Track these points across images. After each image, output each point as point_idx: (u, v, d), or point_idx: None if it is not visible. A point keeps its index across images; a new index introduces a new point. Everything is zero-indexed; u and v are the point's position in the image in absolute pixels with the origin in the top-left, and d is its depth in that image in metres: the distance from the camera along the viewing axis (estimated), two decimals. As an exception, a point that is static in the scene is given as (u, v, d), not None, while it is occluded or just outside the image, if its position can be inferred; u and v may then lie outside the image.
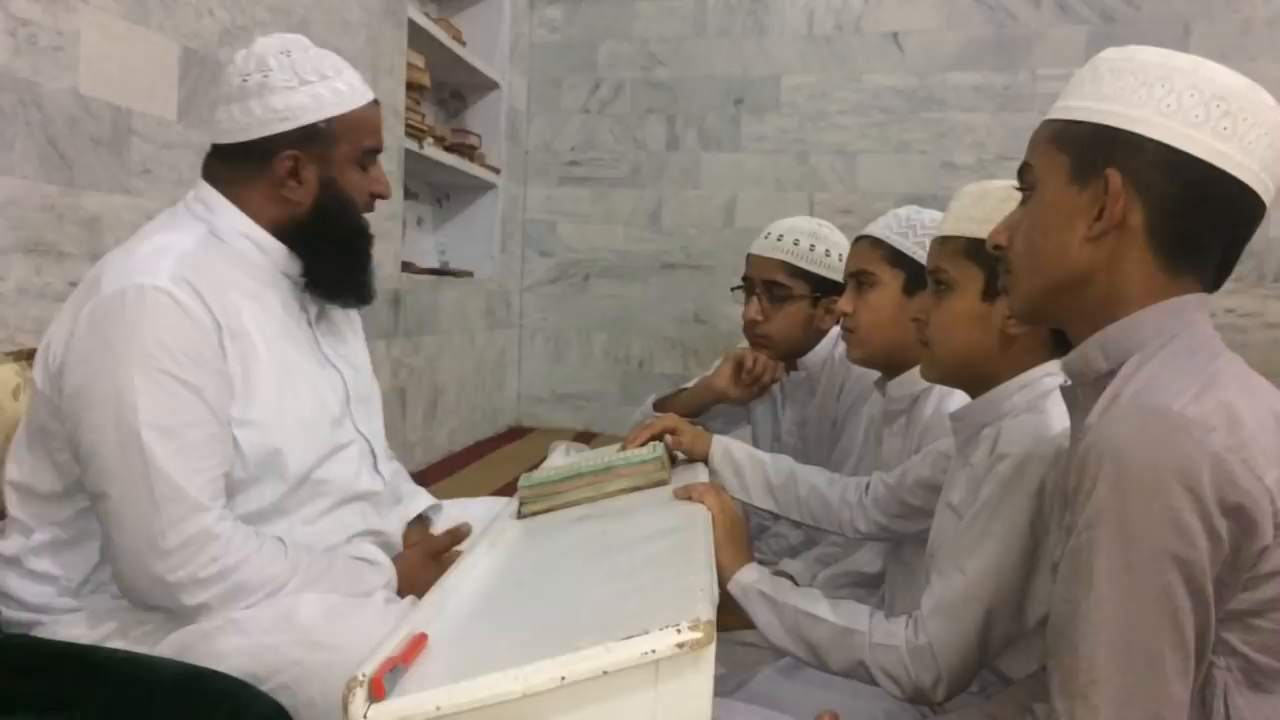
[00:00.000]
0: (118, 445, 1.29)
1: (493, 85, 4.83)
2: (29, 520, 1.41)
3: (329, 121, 1.45)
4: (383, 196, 1.57)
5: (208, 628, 1.31)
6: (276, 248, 1.49)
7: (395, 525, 1.66)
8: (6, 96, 1.96)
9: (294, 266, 1.51)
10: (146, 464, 1.28)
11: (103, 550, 1.39)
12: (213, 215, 1.46)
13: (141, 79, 2.32)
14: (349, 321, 1.71)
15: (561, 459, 1.87)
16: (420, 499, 1.80)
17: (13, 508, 1.42)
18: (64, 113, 2.10)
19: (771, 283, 2.15)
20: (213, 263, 1.42)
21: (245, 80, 1.44)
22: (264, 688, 1.23)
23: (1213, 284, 1.00)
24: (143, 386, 1.29)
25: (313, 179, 1.47)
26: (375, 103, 1.53)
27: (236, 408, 1.38)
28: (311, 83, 1.44)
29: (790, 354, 2.20)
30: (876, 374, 1.82)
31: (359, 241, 1.56)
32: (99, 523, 1.34)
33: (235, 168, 1.47)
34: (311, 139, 1.45)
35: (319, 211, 1.48)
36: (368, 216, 1.56)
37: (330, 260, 1.52)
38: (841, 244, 2.16)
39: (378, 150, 1.55)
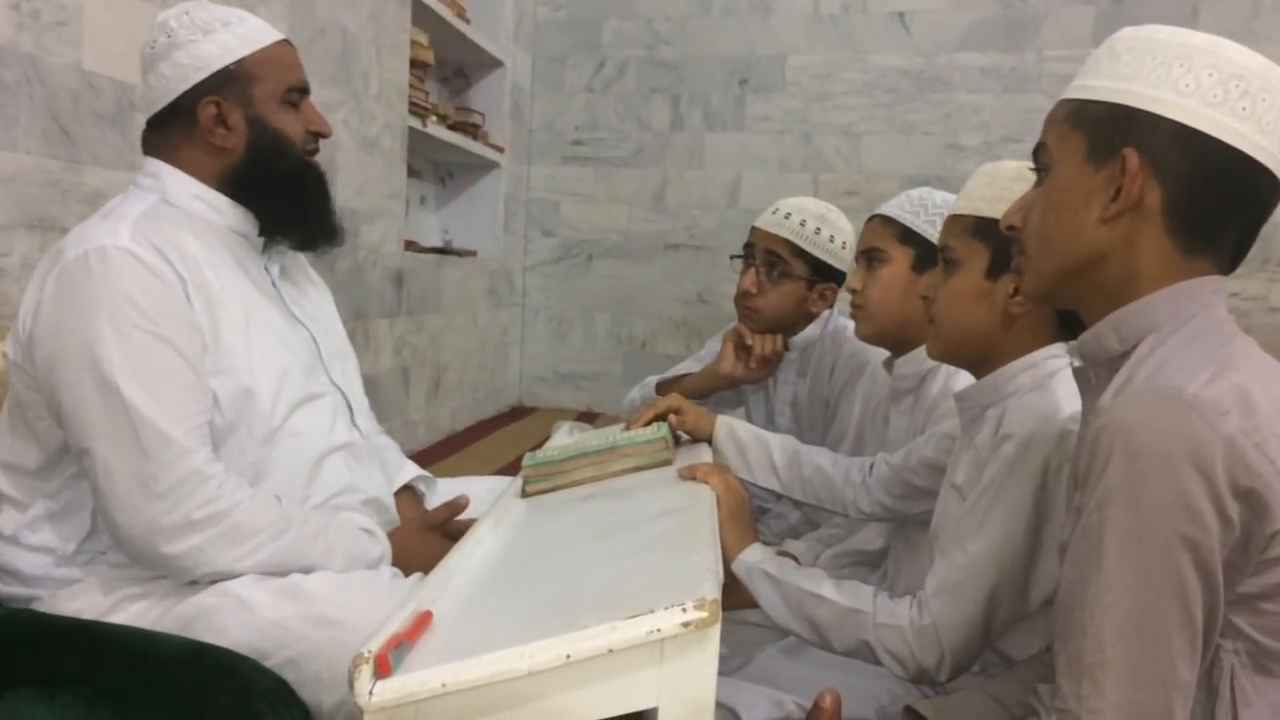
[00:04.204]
0: (99, 399, 1.29)
1: (497, 63, 4.81)
2: (20, 496, 1.41)
3: (239, 63, 1.47)
4: (322, 134, 1.57)
5: (212, 603, 1.30)
6: (227, 204, 1.50)
7: (380, 482, 1.65)
8: (10, 72, 1.95)
9: (249, 224, 1.53)
10: (130, 413, 1.28)
11: (94, 517, 1.38)
12: (161, 183, 1.48)
13: (145, 54, 2.30)
14: (313, 283, 1.72)
15: (565, 438, 1.87)
16: (408, 469, 1.80)
17: (3, 486, 1.42)
18: (67, 88, 2.09)
19: (773, 256, 2.16)
20: (169, 225, 1.43)
21: (153, 48, 1.47)
22: (269, 663, 1.23)
23: (1229, 266, 1.00)
24: (115, 342, 1.30)
25: (240, 122, 1.48)
26: (286, 42, 1.54)
27: (209, 359, 1.38)
28: (214, 31, 1.46)
29: (776, 330, 2.21)
30: (869, 354, 1.83)
31: (305, 178, 1.56)
32: (89, 480, 1.33)
33: (167, 133, 1.49)
34: (227, 83, 1.46)
35: (253, 153, 1.49)
36: (327, 163, 1.60)
37: (278, 202, 1.53)
38: (847, 231, 2.17)
39: (303, 88, 1.55)
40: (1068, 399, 1.24)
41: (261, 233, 1.54)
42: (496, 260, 4.91)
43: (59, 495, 1.40)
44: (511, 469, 2.74)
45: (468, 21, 4.48)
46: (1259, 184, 0.94)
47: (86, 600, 1.37)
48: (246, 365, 1.42)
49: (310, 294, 1.69)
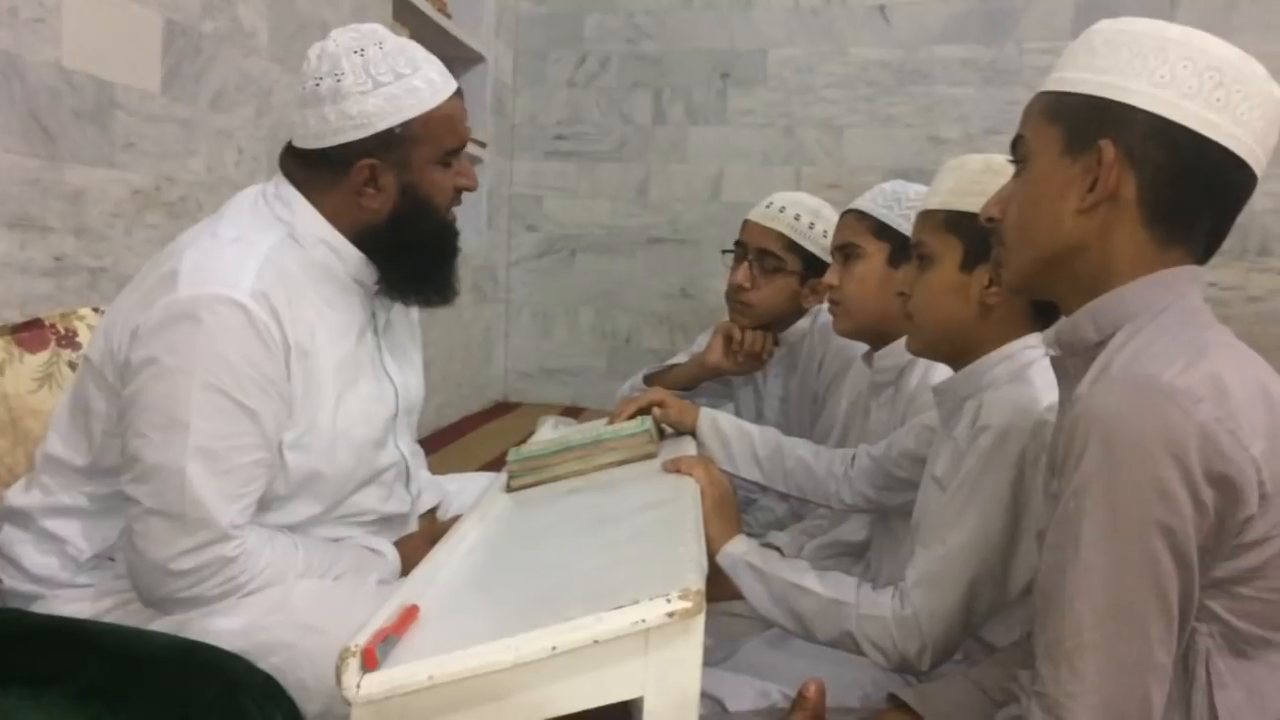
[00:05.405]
0: (161, 460, 1.27)
1: (478, 58, 4.80)
2: (56, 485, 1.39)
3: (406, 125, 1.39)
4: (469, 189, 1.51)
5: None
6: (354, 255, 1.44)
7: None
8: (-13, 69, 1.94)
9: (369, 274, 1.47)
10: (184, 489, 1.26)
11: (121, 535, 1.37)
12: (293, 216, 1.42)
13: (124, 52, 2.29)
14: (411, 330, 1.68)
15: (550, 433, 1.88)
16: (432, 493, 1.79)
17: (44, 473, 1.41)
18: (46, 86, 2.08)
19: (765, 252, 2.16)
20: (290, 270, 1.38)
21: (318, 84, 1.38)
22: (254, 671, 1.24)
23: (1204, 256, 1.01)
24: (200, 405, 1.26)
25: (391, 185, 1.41)
26: (458, 93, 1.46)
27: (291, 431, 1.36)
28: (386, 84, 1.37)
29: (769, 325, 2.21)
30: (856, 349, 1.83)
31: (441, 241, 1.51)
32: (125, 519, 1.32)
33: (312, 171, 1.42)
34: (389, 145, 1.39)
35: (397, 219, 1.43)
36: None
37: (407, 265, 1.47)
38: None
39: (461, 148, 1.48)
40: (1044, 389, 1.25)
41: (378, 281, 1.48)
42: (480, 256, 4.90)
43: (97, 499, 1.39)
44: (496, 464, 2.74)
45: (448, 16, 4.46)
46: (1234, 175, 0.96)
47: (84, 603, 1.37)
48: (327, 448, 1.40)
49: (405, 343, 1.64)
